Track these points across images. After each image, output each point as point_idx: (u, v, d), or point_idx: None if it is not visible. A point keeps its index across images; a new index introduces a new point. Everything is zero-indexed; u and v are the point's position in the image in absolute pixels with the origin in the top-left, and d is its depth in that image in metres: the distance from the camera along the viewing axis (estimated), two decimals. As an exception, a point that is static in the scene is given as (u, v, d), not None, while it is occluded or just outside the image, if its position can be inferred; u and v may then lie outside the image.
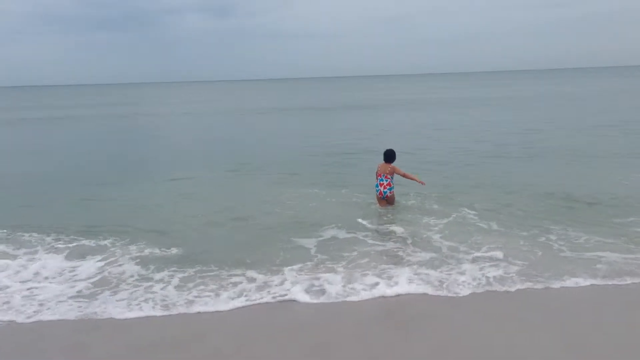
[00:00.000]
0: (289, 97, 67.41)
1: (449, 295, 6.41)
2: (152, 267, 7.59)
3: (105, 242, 8.76)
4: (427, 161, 15.52)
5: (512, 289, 6.52)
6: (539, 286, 6.57)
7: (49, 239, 8.96)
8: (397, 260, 7.50)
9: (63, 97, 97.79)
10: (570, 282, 6.66)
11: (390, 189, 10.14)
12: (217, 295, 6.58)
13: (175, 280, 7.06)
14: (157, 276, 7.24)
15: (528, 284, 6.61)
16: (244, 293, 6.62)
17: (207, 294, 6.62)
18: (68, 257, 8.10)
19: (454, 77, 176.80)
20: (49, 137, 28.17)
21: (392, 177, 10.13)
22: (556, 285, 6.60)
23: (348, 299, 6.40)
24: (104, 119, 38.60)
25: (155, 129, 30.46)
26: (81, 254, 8.21)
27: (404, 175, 10.06)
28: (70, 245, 8.67)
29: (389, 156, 10.15)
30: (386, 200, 10.21)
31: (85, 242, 8.79)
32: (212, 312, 6.18)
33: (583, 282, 6.67)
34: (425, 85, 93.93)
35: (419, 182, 10.12)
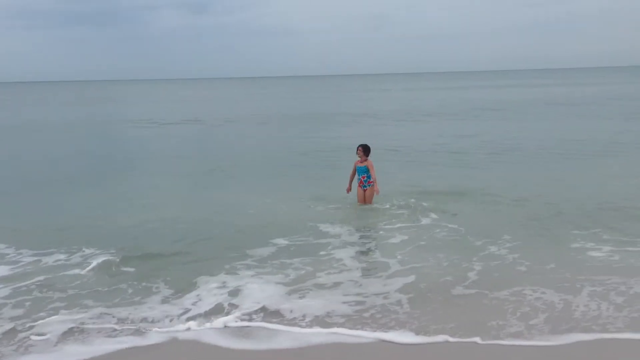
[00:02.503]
0: (266, 99, 65.94)
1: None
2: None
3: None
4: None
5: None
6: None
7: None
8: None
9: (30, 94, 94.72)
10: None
11: (368, 183, 10.40)
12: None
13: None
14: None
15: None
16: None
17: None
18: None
19: (447, 77, 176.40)
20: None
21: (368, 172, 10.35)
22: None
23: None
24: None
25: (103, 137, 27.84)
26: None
27: (373, 178, 10.40)
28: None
29: (364, 150, 10.41)
30: (365, 191, 10.43)
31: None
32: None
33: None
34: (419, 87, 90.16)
35: (376, 189, 10.43)
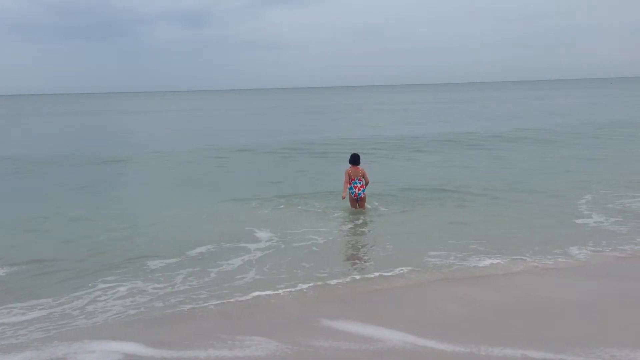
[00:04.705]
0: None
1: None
2: None
3: None
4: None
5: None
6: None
7: None
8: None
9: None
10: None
11: (363, 191, 10.18)
12: None
13: None
14: None
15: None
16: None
17: None
18: None
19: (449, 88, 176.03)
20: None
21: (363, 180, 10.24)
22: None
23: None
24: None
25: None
26: None
27: (367, 182, 10.24)
28: None
29: (358, 159, 10.21)
30: (358, 201, 10.23)
31: None
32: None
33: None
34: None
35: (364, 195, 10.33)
